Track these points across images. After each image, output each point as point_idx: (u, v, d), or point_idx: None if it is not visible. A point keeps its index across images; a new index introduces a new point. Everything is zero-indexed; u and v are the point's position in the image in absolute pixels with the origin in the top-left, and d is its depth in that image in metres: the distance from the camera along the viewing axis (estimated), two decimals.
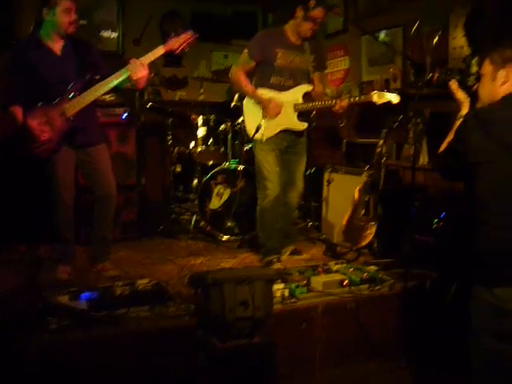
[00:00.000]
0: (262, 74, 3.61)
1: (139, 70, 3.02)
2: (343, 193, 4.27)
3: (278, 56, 3.52)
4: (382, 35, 4.87)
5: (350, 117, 5.15)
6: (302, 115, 3.63)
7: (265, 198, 3.60)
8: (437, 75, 3.39)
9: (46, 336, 2.32)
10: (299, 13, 3.47)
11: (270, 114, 3.51)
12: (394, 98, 3.35)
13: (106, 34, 6.02)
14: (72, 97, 3.05)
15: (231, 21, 6.49)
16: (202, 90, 6.15)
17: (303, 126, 3.64)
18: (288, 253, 3.84)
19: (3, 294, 2.74)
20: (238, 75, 3.63)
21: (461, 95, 2.34)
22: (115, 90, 3.21)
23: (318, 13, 3.43)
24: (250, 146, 4.40)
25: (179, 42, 3.13)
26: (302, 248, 4.11)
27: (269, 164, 3.59)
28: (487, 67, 2.06)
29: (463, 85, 2.28)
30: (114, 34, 6.02)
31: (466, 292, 2.12)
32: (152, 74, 5.09)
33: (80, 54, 3.16)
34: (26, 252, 3.47)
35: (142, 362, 2.44)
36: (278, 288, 2.78)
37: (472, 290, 2.02)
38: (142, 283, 2.89)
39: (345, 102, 3.40)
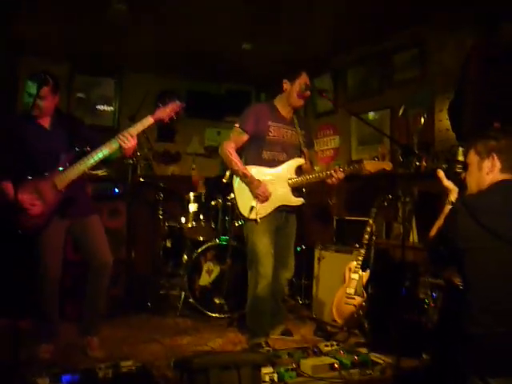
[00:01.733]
0: (254, 149, 3.53)
1: (128, 140, 3.06)
2: (334, 271, 4.26)
3: (270, 129, 3.48)
4: (371, 115, 5.03)
5: (339, 194, 5.22)
6: (296, 191, 3.55)
7: (256, 284, 3.45)
8: (424, 164, 3.47)
9: None
10: (286, 85, 3.52)
11: (259, 197, 3.42)
12: (387, 165, 3.40)
13: (102, 108, 6.16)
14: (62, 169, 3.07)
15: (225, 99, 6.68)
16: (193, 166, 6.28)
17: (299, 201, 3.54)
18: (278, 332, 3.71)
19: None
20: (229, 151, 3.50)
21: (448, 184, 2.40)
22: (105, 161, 3.19)
23: (303, 78, 3.47)
24: (241, 222, 4.42)
25: (167, 111, 3.18)
26: (292, 327, 4.03)
27: (264, 246, 3.44)
28: (472, 157, 2.12)
29: (450, 172, 2.34)
30: (111, 109, 6.16)
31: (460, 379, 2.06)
32: (145, 149, 5.19)
33: (69, 128, 3.24)
34: (6, 327, 3.37)
35: None
36: (267, 372, 2.68)
37: (466, 380, 1.96)
38: (125, 365, 2.79)
39: (340, 173, 3.36)
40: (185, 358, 2.40)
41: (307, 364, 2.88)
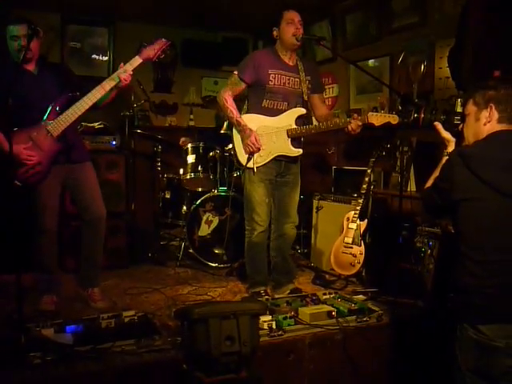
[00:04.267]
0: (255, 98, 3.46)
1: (127, 77, 3.07)
2: (332, 220, 4.30)
3: (270, 77, 3.39)
4: (371, 62, 4.95)
5: (338, 144, 5.20)
6: (296, 140, 3.47)
7: (252, 231, 3.49)
8: (422, 116, 3.42)
9: (29, 372, 2.28)
10: (275, 32, 3.42)
11: (247, 148, 3.37)
12: (393, 119, 3.26)
13: (97, 58, 6.05)
14: (55, 115, 3.04)
15: (221, 47, 6.54)
16: (191, 116, 6.23)
17: (297, 152, 3.47)
18: (287, 291, 3.62)
19: None
20: (225, 98, 3.43)
21: (446, 135, 2.39)
22: (97, 105, 3.15)
23: (290, 14, 3.36)
24: (239, 173, 4.42)
25: (154, 49, 3.15)
26: None
27: (258, 195, 3.45)
28: (471, 108, 2.09)
29: (449, 124, 2.32)
30: (105, 59, 6.05)
31: (450, 326, 2.11)
32: (142, 100, 5.14)
33: (56, 74, 3.21)
34: (8, 282, 3.42)
35: None
36: (265, 320, 2.76)
37: (457, 328, 2.01)
38: (128, 315, 2.86)
39: (355, 124, 3.22)
40: (185, 308, 2.45)
41: (305, 312, 2.96)
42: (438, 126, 2.38)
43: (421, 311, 3.25)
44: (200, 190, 4.68)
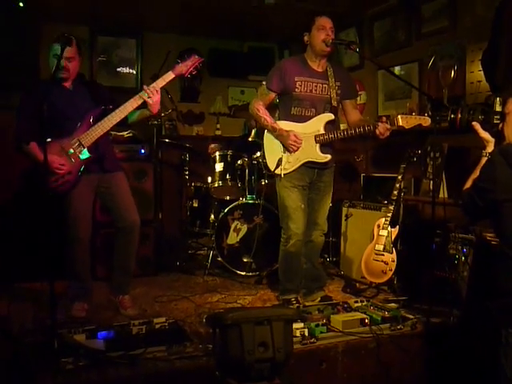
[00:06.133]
0: (284, 106, 3.49)
1: (153, 94, 3.11)
2: (362, 228, 4.24)
3: (297, 85, 3.39)
4: (397, 70, 4.90)
5: (366, 151, 5.14)
6: (325, 146, 3.44)
7: (288, 239, 3.44)
8: (460, 116, 3.33)
9: (61, 377, 2.28)
10: (306, 37, 3.42)
11: (290, 148, 3.37)
12: (424, 121, 3.20)
13: (124, 71, 6.12)
14: (87, 127, 3.11)
15: (247, 57, 6.56)
16: (218, 126, 6.25)
17: (326, 157, 3.42)
18: (318, 300, 3.56)
19: (18, 331, 2.72)
20: (257, 108, 3.47)
21: (484, 135, 2.33)
22: (130, 120, 3.25)
23: (322, 20, 3.35)
24: (267, 181, 4.40)
25: (187, 66, 3.20)
26: None
27: (293, 201, 3.42)
28: (511, 106, 2.04)
29: (488, 124, 2.26)
30: (133, 71, 6.12)
31: (492, 334, 2.04)
32: (170, 110, 5.16)
33: (89, 89, 3.30)
34: (40, 290, 3.45)
35: None
36: (298, 327, 2.72)
37: (502, 335, 1.94)
38: (158, 322, 2.85)
39: (383, 127, 3.18)
40: (217, 313, 2.42)
41: (337, 319, 2.91)
42: (477, 125, 2.32)
43: (456, 319, 3.17)
44: (228, 198, 4.66)
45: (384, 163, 4.84)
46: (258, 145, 3.95)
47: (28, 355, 2.44)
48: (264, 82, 3.52)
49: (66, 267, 3.27)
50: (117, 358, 2.43)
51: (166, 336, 2.71)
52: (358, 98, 5.43)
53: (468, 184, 2.14)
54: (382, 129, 3.20)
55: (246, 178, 4.54)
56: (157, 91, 3.12)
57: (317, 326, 2.81)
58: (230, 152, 4.66)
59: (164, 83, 3.16)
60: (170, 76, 3.18)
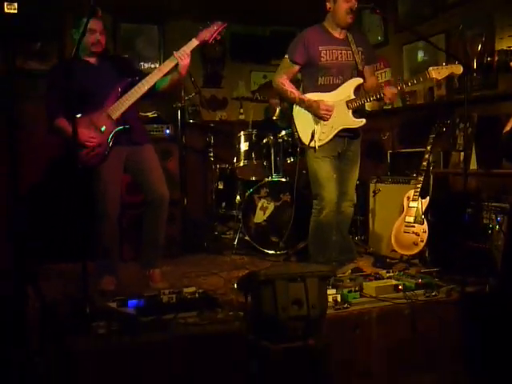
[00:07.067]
0: (309, 78, 3.45)
1: (184, 57, 3.10)
2: (390, 203, 4.17)
3: (322, 54, 3.35)
4: (420, 56, 4.82)
5: (392, 128, 5.06)
6: (357, 112, 3.40)
7: (321, 209, 3.40)
8: (496, 58, 3.23)
9: (94, 341, 2.27)
10: (329, 3, 3.37)
11: (324, 117, 3.32)
12: (457, 69, 3.18)
13: (146, 66, 6.11)
14: (115, 99, 3.12)
15: (270, 41, 6.51)
16: (241, 110, 6.21)
17: (361, 122, 3.37)
18: (349, 271, 3.50)
19: (52, 299, 2.72)
20: (282, 82, 3.43)
21: None
22: (157, 88, 3.22)
23: None
24: (293, 159, 4.36)
25: (210, 32, 3.18)
26: None
27: (325, 172, 3.39)
28: None
29: None
30: (156, 65, 6.11)
31: None
32: (193, 93, 5.15)
33: (116, 63, 3.32)
34: (71, 270, 3.45)
35: (190, 369, 2.35)
36: (330, 293, 2.67)
37: None
38: (188, 292, 2.83)
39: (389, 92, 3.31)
40: (250, 272, 2.39)
41: (370, 286, 2.85)
42: None
43: (492, 289, 3.08)
44: (253, 178, 4.64)
45: (410, 139, 4.75)
46: (290, 119, 3.84)
47: (60, 321, 2.44)
48: (287, 56, 3.47)
49: (95, 246, 3.27)
50: (149, 323, 2.41)
51: (196, 303, 2.69)
52: (383, 75, 5.38)
53: (508, 126, 2.08)
54: (389, 93, 3.33)
55: (272, 156, 4.50)
56: (187, 54, 3.11)
57: (350, 291, 2.76)
58: (254, 131, 4.63)
59: (188, 50, 3.14)
60: (194, 43, 3.15)
